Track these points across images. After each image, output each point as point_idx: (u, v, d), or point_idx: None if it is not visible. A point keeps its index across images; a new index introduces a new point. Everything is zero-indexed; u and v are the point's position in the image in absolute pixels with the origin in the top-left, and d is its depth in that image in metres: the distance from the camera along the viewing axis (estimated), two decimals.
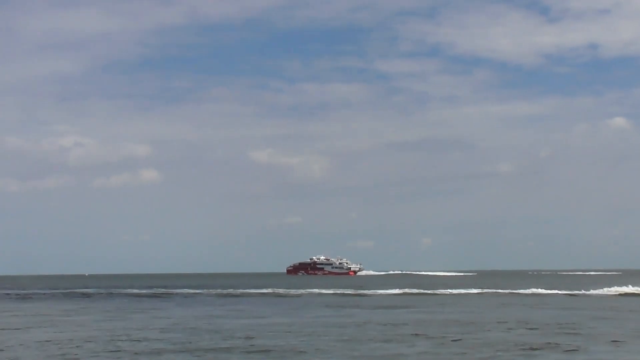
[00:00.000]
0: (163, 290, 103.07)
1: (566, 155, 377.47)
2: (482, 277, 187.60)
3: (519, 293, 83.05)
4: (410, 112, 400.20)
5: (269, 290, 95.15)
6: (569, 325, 38.62)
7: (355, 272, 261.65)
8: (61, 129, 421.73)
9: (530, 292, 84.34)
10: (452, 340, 31.09)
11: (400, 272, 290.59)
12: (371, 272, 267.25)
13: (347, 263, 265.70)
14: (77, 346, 30.16)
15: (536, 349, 27.98)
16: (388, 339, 32.00)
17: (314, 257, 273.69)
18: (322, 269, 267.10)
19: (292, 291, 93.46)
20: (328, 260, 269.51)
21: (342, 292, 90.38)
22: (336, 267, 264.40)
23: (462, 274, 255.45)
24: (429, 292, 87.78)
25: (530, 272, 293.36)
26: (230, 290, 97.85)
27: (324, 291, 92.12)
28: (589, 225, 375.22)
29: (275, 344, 30.10)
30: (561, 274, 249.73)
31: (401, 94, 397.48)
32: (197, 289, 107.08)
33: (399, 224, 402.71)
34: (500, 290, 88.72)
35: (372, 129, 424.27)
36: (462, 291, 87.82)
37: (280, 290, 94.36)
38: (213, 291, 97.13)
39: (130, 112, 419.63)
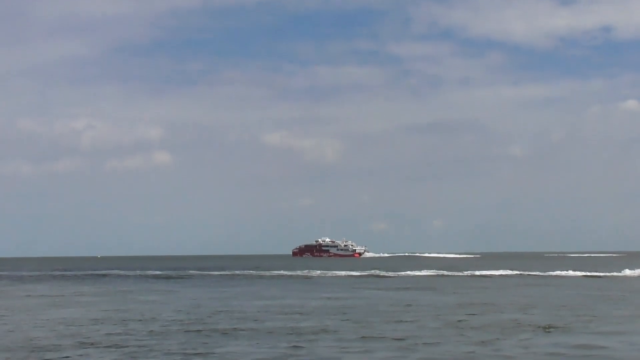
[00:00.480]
0: (175, 272, 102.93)
1: (579, 138, 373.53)
2: (491, 259, 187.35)
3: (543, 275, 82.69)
4: (423, 95, 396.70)
5: (294, 273, 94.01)
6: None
7: (360, 254, 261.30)
8: (74, 111, 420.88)
9: (555, 274, 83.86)
10: (458, 321, 30.94)
11: (406, 254, 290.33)
12: (375, 255, 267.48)
13: (352, 245, 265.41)
14: (89, 326, 30.03)
15: (547, 329, 27.77)
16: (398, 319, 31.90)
17: (320, 239, 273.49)
18: (327, 251, 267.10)
19: (312, 272, 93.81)
20: (333, 242, 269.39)
21: (368, 273, 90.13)
22: (341, 249, 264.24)
23: (472, 256, 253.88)
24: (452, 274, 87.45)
25: (546, 254, 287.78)
26: (249, 272, 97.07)
27: (353, 273, 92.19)
28: (601, 208, 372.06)
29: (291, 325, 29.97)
30: (572, 255, 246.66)
31: (414, 76, 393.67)
32: (209, 270, 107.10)
33: (411, 207, 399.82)
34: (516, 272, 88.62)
35: (385, 111, 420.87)
36: (485, 272, 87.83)
37: (299, 272, 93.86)
38: (227, 273, 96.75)
39: (143, 94, 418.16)
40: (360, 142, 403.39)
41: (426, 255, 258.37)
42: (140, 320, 32.65)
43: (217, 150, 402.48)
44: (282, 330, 28.09)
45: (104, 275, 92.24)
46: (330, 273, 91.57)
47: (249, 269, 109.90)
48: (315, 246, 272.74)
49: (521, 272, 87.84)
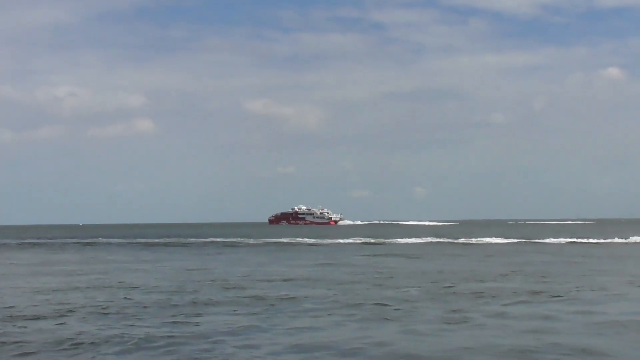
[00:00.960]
0: (160, 239, 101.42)
1: (561, 106, 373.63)
2: (472, 227, 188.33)
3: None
4: (406, 62, 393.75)
5: (280, 240, 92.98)
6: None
7: (335, 221, 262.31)
8: (55, 78, 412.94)
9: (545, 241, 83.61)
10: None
11: (382, 222, 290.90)
12: (351, 222, 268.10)
13: (327, 213, 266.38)
14: (70, 294, 29.23)
15: (532, 294, 27.39)
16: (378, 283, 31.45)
17: (296, 207, 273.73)
18: (303, 218, 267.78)
19: (299, 240, 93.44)
20: (309, 210, 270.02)
21: (362, 241, 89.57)
22: (317, 217, 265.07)
23: (451, 223, 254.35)
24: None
25: (528, 222, 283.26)
26: (238, 239, 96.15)
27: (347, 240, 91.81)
28: (583, 175, 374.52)
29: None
30: (553, 223, 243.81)
31: (397, 44, 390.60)
32: (192, 237, 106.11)
33: (394, 174, 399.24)
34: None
35: (368, 79, 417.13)
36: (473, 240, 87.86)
37: (286, 240, 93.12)
38: (212, 240, 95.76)
39: (125, 61, 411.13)
40: (342, 109, 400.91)
41: (403, 223, 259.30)
42: (120, 288, 31.89)
43: (200, 117, 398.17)
44: (262, 298, 27.46)
45: (89, 244, 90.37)
46: (326, 241, 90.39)
47: (237, 237, 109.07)
48: (292, 214, 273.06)
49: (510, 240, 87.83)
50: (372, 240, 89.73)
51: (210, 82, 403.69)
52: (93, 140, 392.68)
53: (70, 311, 23.87)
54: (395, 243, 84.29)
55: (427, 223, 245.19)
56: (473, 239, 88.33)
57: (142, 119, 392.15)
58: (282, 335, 19.11)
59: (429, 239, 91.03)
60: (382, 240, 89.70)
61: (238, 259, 53.91)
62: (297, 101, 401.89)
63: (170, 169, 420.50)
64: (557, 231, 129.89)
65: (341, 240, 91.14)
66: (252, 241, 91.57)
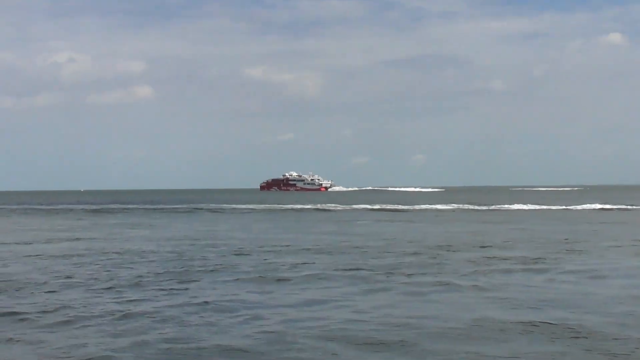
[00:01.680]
0: (164, 205, 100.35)
1: (560, 73, 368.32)
2: (465, 193, 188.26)
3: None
4: (405, 28, 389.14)
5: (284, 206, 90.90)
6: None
7: (326, 188, 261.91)
8: (55, 45, 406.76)
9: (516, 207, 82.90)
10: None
11: (374, 188, 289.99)
12: (344, 189, 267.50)
13: (318, 179, 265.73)
14: (68, 259, 28.55)
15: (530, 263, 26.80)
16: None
17: (287, 174, 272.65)
18: (294, 185, 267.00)
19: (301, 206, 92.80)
20: (300, 176, 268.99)
21: (381, 207, 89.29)
22: (308, 184, 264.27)
23: (439, 190, 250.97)
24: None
25: (524, 189, 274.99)
26: (241, 206, 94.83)
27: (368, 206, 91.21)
28: (583, 142, 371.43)
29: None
30: (552, 190, 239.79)
31: (396, 10, 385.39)
32: (193, 203, 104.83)
33: (393, 141, 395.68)
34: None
35: (367, 45, 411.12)
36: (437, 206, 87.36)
37: (291, 206, 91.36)
38: (213, 206, 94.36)
39: (125, 28, 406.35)
40: (341, 76, 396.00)
41: (395, 189, 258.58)
42: (119, 253, 31.21)
43: (199, 84, 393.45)
44: (262, 266, 26.81)
45: (89, 210, 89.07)
46: (332, 206, 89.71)
47: (224, 203, 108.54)
48: (283, 180, 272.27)
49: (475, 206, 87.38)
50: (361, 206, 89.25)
51: (209, 49, 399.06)
52: (92, 107, 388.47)
53: (67, 277, 23.14)
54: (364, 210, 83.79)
55: (422, 189, 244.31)
56: (494, 206, 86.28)
57: (141, 85, 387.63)
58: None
59: (426, 206, 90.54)
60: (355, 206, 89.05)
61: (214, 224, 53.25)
62: (296, 68, 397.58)
63: (168, 136, 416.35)
64: (572, 198, 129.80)
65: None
66: (240, 207, 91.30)
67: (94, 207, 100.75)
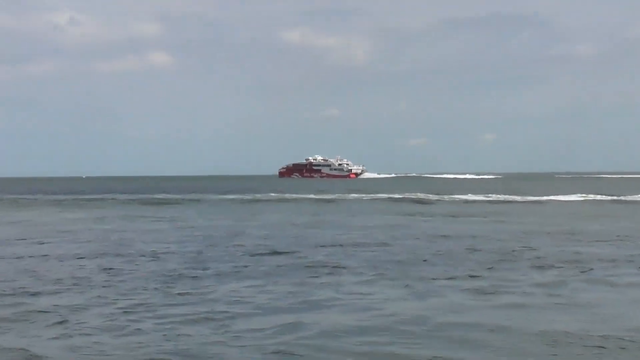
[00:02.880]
0: (189, 195, 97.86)
1: None
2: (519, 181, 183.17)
3: None
4: None
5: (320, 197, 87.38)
6: None
7: (357, 174, 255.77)
8: (54, 2, 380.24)
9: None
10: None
11: (420, 174, 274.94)
12: (376, 175, 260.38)
13: (347, 164, 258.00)
14: (55, 262, 27.44)
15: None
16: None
17: (310, 158, 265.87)
18: (319, 170, 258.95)
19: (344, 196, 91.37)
20: (326, 160, 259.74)
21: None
22: (335, 169, 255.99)
23: (495, 176, 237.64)
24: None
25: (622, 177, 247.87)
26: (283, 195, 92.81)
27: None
28: None
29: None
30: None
31: None
32: (223, 194, 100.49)
33: (456, 118, 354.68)
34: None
35: (426, 2, 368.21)
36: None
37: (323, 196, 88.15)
38: (247, 197, 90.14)
39: None
40: (396, 40, 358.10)
41: (445, 176, 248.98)
42: (133, 252, 30.10)
43: (225, 50, 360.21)
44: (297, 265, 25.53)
45: (91, 202, 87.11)
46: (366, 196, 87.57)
47: (237, 193, 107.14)
48: (305, 165, 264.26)
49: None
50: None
51: (237, 8, 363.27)
52: (97, 76, 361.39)
53: (74, 278, 22.03)
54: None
55: (476, 176, 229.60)
56: (532, 197, 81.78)
57: (157, 51, 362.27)
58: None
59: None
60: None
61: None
62: (341, 30, 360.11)
63: (189, 112, 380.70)
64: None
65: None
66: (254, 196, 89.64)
67: (87, 196, 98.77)
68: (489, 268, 24.40)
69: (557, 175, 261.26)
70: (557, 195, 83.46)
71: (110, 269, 25.35)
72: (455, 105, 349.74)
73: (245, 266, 25.57)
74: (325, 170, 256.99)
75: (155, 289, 20.95)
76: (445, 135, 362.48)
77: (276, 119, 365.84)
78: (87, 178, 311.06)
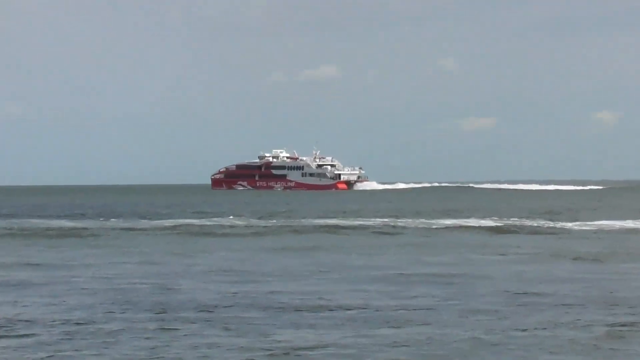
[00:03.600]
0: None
1: None
2: None
3: None
4: None
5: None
6: None
7: (349, 183, 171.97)
8: None
9: None
10: None
11: (451, 183, 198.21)
12: (375, 185, 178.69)
13: (332, 165, 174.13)
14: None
15: None
16: None
17: (268, 155, 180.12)
18: (282, 176, 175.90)
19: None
20: (296, 159, 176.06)
21: None
22: (312, 174, 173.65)
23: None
24: None
25: None
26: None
27: None
28: None
29: None
30: None
31: None
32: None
33: (534, 87, 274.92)
34: None
35: None
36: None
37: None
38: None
39: None
40: None
41: (494, 186, 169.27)
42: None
43: None
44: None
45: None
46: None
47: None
48: (259, 167, 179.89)
49: None
50: None
51: None
52: None
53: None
54: None
55: (546, 187, 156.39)
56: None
57: None
58: None
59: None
60: None
61: None
62: None
63: (95, 68, 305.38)
64: None
65: None
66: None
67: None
68: None
69: None
70: None
71: None
72: (528, 69, 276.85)
73: None
74: (293, 175, 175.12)
75: None
76: (520, 113, 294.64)
77: (218, 87, 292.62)
78: None
